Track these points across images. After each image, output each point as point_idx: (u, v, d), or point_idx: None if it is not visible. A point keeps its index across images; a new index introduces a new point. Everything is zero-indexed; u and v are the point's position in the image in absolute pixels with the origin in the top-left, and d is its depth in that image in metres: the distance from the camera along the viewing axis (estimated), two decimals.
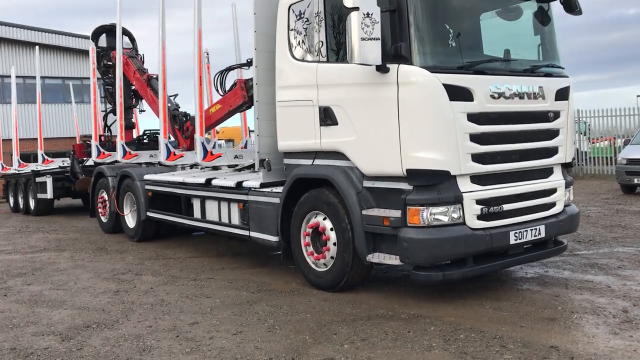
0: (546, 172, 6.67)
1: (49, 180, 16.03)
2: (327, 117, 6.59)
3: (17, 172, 18.61)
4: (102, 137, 14.49)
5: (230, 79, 10.44)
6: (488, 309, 5.82)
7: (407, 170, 5.82)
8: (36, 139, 18.25)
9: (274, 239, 7.41)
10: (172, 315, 6.03)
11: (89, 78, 14.81)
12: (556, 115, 6.62)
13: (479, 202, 5.94)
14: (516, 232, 6.14)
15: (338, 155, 6.55)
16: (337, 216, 6.49)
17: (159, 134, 13.46)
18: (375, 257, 6.12)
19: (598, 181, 20.54)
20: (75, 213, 17.08)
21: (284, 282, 7.35)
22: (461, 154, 5.80)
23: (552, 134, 6.62)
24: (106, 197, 12.12)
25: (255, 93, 7.54)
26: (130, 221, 11.28)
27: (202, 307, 6.31)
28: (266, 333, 5.32)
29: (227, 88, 10.27)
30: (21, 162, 18.52)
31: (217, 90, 10.69)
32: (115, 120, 14.57)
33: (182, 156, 10.20)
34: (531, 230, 6.30)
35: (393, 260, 5.96)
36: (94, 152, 13.40)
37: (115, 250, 10.31)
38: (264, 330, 5.42)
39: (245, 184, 7.95)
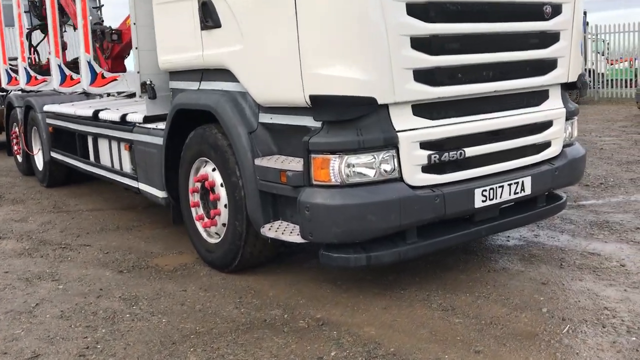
0: (537, 96, 4.48)
1: None
2: (207, 15, 4.39)
3: None
4: (32, 60, 12.26)
5: None
6: (435, 309, 3.81)
7: (311, 97, 3.68)
8: None
9: (160, 194, 5.40)
10: None
11: None
12: (555, 10, 4.36)
13: (425, 145, 3.81)
14: (485, 190, 4.05)
15: (228, 74, 4.40)
16: (227, 166, 4.42)
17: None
18: (273, 230, 4.08)
19: (615, 106, 18.11)
20: None
21: (177, 253, 5.38)
22: (396, 70, 3.62)
23: (549, 38, 4.38)
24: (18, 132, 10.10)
25: None
26: (40, 161, 9.28)
27: (29, 300, 4.37)
28: None
29: None
30: None
31: None
32: (42, 40, 12.40)
33: (79, 81, 8.01)
34: (509, 185, 4.19)
35: (294, 236, 3.92)
36: (23, 78, 11.02)
37: (12, 199, 8.36)
38: (73, 355, 3.47)
39: (129, 118, 5.85)
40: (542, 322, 3.53)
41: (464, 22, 3.86)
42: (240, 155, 4.20)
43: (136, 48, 5.41)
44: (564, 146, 4.67)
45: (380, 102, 3.61)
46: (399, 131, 3.71)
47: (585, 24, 22.40)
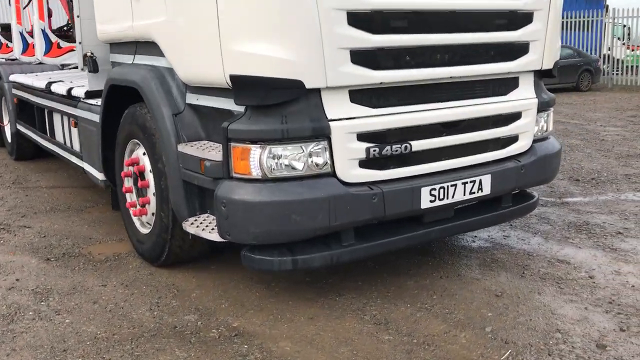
0: (504, 85, 3.96)
1: None
2: None
3: None
4: None
5: None
6: (367, 321, 3.38)
7: (232, 78, 3.22)
8: None
9: (100, 176, 5.00)
10: None
11: None
12: None
13: (363, 137, 3.34)
14: (433, 189, 3.58)
15: (158, 48, 3.94)
16: (154, 151, 4.00)
17: None
18: (194, 225, 3.66)
19: (629, 94, 17.36)
20: None
21: (117, 240, 4.99)
22: (328, 50, 3.13)
23: (520, 19, 3.85)
24: None
25: None
26: (9, 134, 8.93)
27: None
28: None
29: None
30: None
31: None
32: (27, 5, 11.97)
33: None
34: (464, 183, 3.71)
35: (214, 234, 3.49)
36: None
37: None
38: None
39: (74, 92, 5.43)
40: (481, 345, 3.08)
41: None
42: (163, 139, 3.77)
43: (78, 16, 4.97)
44: (535, 141, 4.17)
45: (308, 86, 3.14)
46: (331, 120, 3.25)
47: (604, 7, 21.53)
